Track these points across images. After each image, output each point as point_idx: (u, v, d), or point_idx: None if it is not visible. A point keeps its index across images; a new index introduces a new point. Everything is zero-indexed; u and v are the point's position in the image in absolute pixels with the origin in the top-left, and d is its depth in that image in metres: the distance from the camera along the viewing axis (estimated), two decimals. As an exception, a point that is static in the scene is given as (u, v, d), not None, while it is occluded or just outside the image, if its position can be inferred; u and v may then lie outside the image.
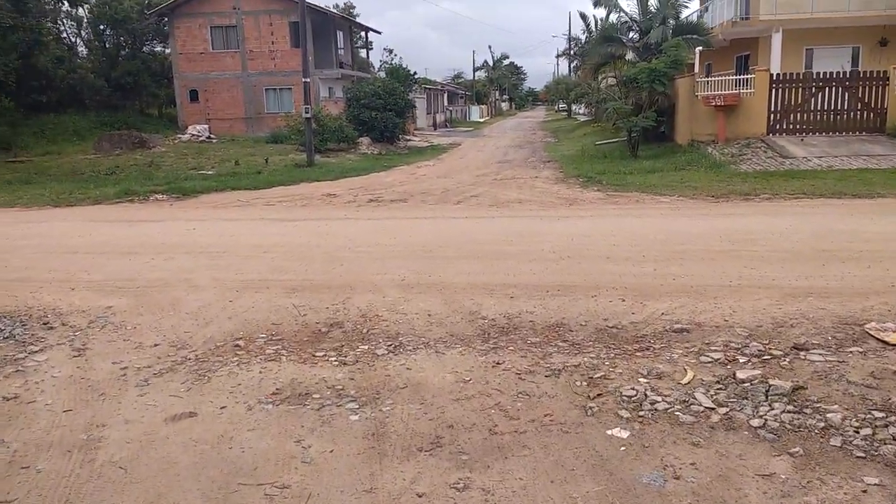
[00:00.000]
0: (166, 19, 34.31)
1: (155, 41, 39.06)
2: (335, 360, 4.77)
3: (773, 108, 18.56)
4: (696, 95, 19.88)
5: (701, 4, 29.91)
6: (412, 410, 3.92)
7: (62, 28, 37.43)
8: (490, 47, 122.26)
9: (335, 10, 39.79)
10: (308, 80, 21.30)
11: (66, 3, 34.71)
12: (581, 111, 60.84)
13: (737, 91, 18.75)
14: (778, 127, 18.68)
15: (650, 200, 12.51)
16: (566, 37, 60.54)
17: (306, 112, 21.29)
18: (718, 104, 18.66)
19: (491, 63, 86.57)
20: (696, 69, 20.73)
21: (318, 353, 4.93)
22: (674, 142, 22.18)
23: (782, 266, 6.81)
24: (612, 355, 4.70)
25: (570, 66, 69.31)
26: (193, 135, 30.62)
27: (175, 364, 4.80)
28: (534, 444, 3.47)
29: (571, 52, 56.13)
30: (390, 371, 4.55)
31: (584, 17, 47.94)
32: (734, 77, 19.32)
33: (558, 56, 67.63)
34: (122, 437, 3.72)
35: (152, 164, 21.69)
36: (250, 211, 12.28)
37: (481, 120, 66.31)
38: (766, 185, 13.35)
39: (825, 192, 12.33)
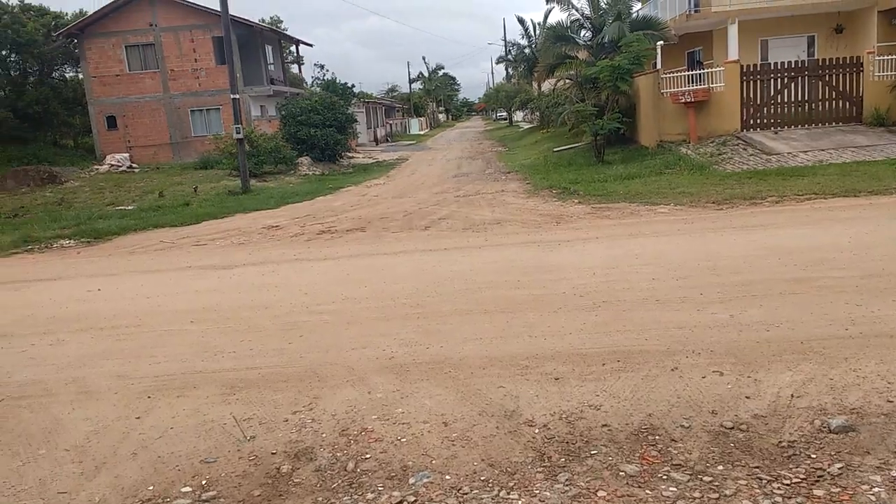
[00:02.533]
0: (76, 40, 31.25)
1: (65, 65, 35.75)
2: (315, 553, 2.77)
3: (745, 102, 17.41)
4: (663, 93, 18.57)
5: (644, 3, 29.03)
6: None
7: (-42, 58, 33.70)
8: (424, 58, 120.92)
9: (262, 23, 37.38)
10: (237, 96, 19.04)
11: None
12: (522, 118, 59.86)
13: (706, 86, 17.51)
14: (752, 122, 17.54)
15: (646, 212, 10.89)
16: (503, 43, 59.57)
17: (237, 132, 19.00)
18: (688, 101, 17.37)
19: (427, 74, 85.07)
20: (659, 65, 19.45)
21: (282, 534, 2.92)
22: (637, 144, 20.87)
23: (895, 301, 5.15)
24: (776, 498, 2.85)
25: (507, 72, 68.51)
26: (113, 165, 27.76)
27: (25, 586, 2.70)
28: None
29: (509, 58, 54.94)
30: (417, 575, 2.59)
31: (521, 21, 46.87)
32: (703, 71, 18.10)
33: (497, 62, 66.43)
34: None
35: (63, 201, 18.98)
36: (175, 256, 10.02)
37: (422, 132, 64.67)
38: (767, 187, 11.94)
39: (836, 191, 10.96)
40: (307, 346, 5.18)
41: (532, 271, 6.95)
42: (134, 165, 28.44)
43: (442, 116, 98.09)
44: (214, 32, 29.02)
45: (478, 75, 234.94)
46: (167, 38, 30.40)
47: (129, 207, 17.38)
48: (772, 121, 17.57)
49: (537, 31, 44.73)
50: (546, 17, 42.67)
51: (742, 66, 17.38)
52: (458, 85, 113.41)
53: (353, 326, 5.56)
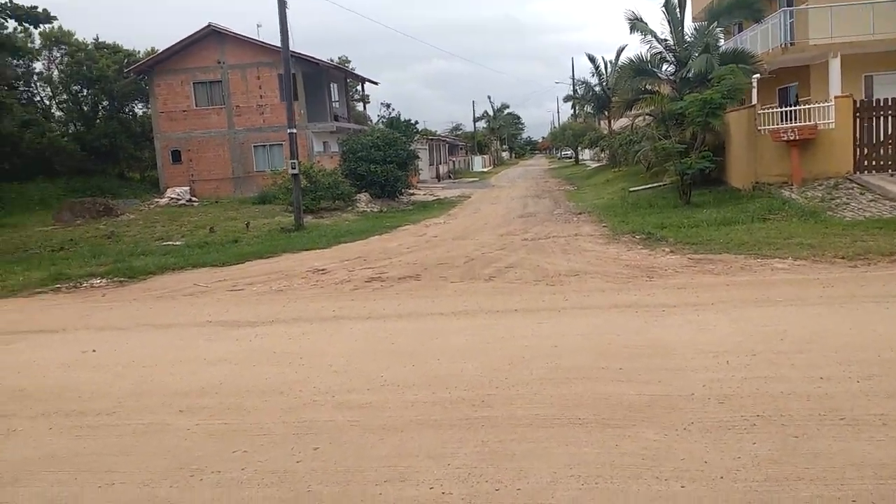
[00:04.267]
0: (146, 77, 31.53)
1: (136, 101, 36.28)
2: None
3: (858, 141, 15.23)
4: (760, 130, 16.54)
5: (727, 37, 27.05)
6: None
7: (35, 91, 34.63)
8: (490, 97, 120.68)
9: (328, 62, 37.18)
10: (294, 130, 18.09)
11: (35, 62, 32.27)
12: (590, 157, 57.98)
13: (814, 123, 15.42)
14: (866, 163, 15.30)
15: (759, 266, 8.94)
16: (570, 82, 58.13)
17: (293, 168, 17.99)
18: (792, 139, 15.29)
19: (492, 113, 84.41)
20: (755, 100, 17.47)
21: None
22: (726, 185, 18.80)
23: None
24: None
25: (574, 111, 67.00)
26: (172, 198, 27.46)
27: None
28: None
29: (577, 96, 53.43)
30: None
31: (592, 58, 44.98)
32: (809, 106, 16.01)
33: (565, 100, 64.97)
34: None
35: (112, 235, 18.27)
36: (201, 306, 8.68)
37: (485, 170, 63.62)
38: (907, 239, 9.82)
39: None
40: (321, 470, 3.56)
41: (637, 353, 5.18)
42: (193, 199, 28.08)
43: (505, 154, 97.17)
44: (280, 70, 28.58)
45: (542, 114, 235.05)
46: (234, 76, 30.35)
47: (177, 243, 16.46)
48: (889, 162, 15.29)
49: (608, 69, 43.20)
50: (618, 54, 40.90)
51: (855, 102, 15.25)
52: (523, 124, 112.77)
53: (389, 435, 3.93)
